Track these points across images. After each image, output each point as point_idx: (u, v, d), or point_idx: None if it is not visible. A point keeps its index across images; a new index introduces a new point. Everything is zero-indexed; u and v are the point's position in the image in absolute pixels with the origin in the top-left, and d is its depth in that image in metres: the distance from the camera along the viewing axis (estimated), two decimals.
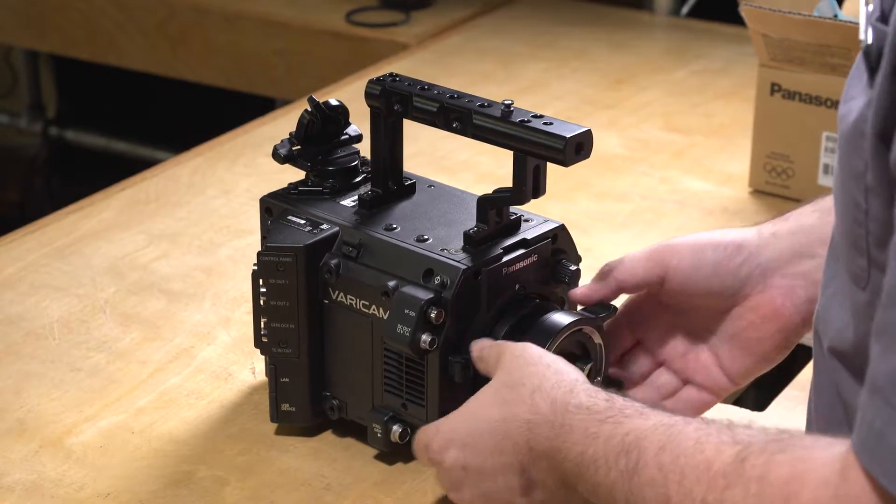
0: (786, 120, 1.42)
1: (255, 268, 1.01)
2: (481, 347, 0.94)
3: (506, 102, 0.96)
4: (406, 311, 0.94)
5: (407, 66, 1.74)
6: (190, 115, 2.53)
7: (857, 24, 0.75)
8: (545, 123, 0.94)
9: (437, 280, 0.95)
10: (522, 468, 0.88)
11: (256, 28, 2.11)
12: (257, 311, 1.02)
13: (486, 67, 1.83)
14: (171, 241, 1.35)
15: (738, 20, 1.47)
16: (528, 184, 0.95)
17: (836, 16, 1.39)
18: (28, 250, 1.33)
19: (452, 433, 0.91)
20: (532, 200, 0.96)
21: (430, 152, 1.47)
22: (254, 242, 1.35)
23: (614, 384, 1.00)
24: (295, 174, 1.08)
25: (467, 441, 0.90)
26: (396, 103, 1.00)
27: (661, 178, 1.49)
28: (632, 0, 2.13)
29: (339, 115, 1.05)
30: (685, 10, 2.11)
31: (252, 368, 1.14)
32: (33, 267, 1.30)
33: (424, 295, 0.94)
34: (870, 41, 0.71)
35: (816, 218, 1.00)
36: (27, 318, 1.22)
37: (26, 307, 1.23)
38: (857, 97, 0.74)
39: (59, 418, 1.08)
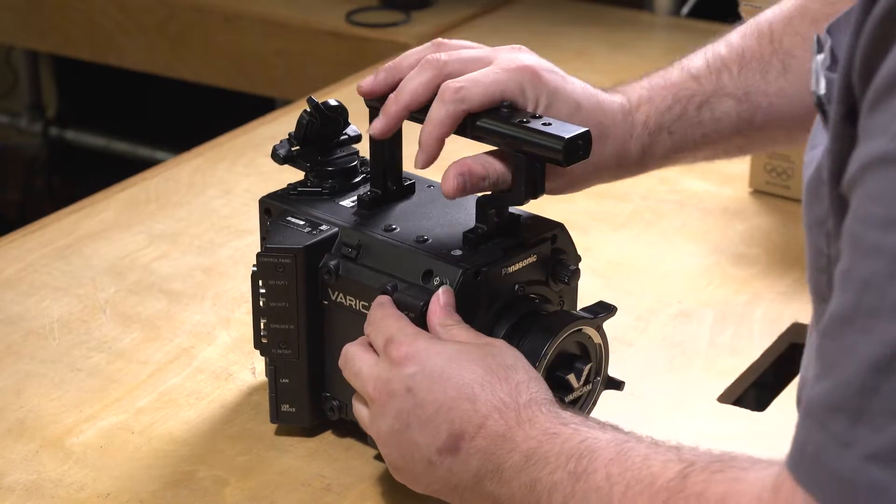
0: None
1: (255, 269, 1.01)
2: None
3: (505, 103, 0.96)
4: (405, 313, 0.94)
5: None
6: (190, 115, 2.53)
7: None
8: (544, 124, 0.94)
9: (437, 281, 0.95)
10: (460, 434, 0.86)
11: (256, 28, 2.11)
12: (257, 313, 1.02)
13: None
14: (171, 241, 1.35)
15: (737, 20, 1.47)
16: (527, 184, 0.94)
17: None
18: (28, 250, 1.33)
19: (426, 355, 0.89)
20: (531, 201, 0.96)
21: None
22: (254, 242, 1.35)
23: (614, 385, 1.01)
24: (295, 174, 1.09)
25: (433, 372, 0.88)
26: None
27: (661, 178, 1.48)
28: (632, 0, 2.13)
29: (339, 115, 1.05)
30: (685, 10, 2.11)
31: (252, 368, 1.14)
32: (33, 267, 1.30)
33: (424, 296, 0.94)
34: (822, 91, 0.72)
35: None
36: (27, 318, 1.22)
37: (26, 307, 1.24)
38: (818, 146, 0.75)
39: (60, 418, 1.08)
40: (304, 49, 2.08)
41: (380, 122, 0.98)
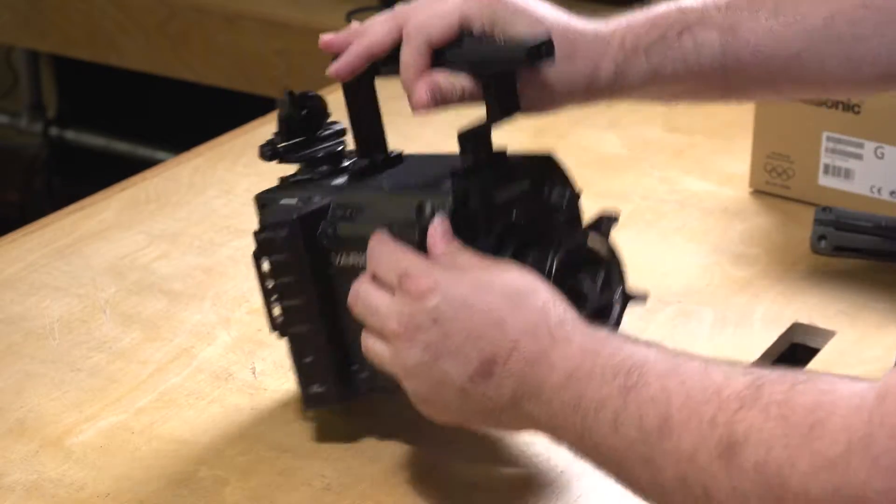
0: (786, 120, 1.42)
1: (255, 251, 1.01)
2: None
3: (466, 32, 0.96)
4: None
5: None
6: (190, 115, 2.53)
7: None
8: (504, 41, 0.95)
9: (429, 211, 0.93)
10: (492, 359, 0.85)
11: (257, 28, 2.12)
12: (266, 295, 1.01)
13: None
14: (171, 241, 1.35)
15: None
16: (499, 99, 0.94)
17: None
18: (28, 250, 1.33)
19: (446, 286, 0.87)
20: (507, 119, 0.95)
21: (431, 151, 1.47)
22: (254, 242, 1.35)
23: (637, 298, 0.98)
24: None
25: (456, 301, 0.86)
26: (362, 80, 1.00)
27: (661, 178, 1.48)
28: (632, 0, 2.13)
29: (317, 104, 1.05)
30: None
31: (252, 368, 1.14)
32: (33, 267, 1.30)
33: (419, 230, 0.93)
34: None
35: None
36: (27, 318, 1.22)
37: (26, 307, 1.23)
38: None
39: (60, 418, 1.08)
40: (304, 49, 2.08)
41: (338, 62, 0.98)
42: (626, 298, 0.97)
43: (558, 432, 0.84)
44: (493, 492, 1.00)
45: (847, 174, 1.39)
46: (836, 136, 1.39)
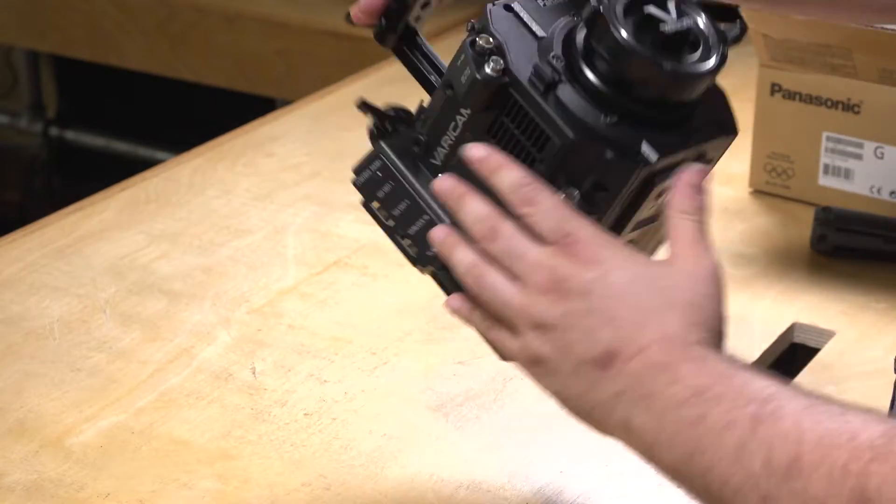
0: (786, 120, 1.42)
1: (363, 199, 0.94)
2: None
3: None
4: (460, 65, 0.88)
5: None
6: (190, 115, 2.53)
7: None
8: None
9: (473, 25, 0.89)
10: (616, 353, 0.81)
11: (257, 28, 2.12)
12: (392, 234, 0.94)
13: None
14: (171, 241, 1.35)
15: (737, 19, 1.47)
16: None
17: None
18: (28, 250, 1.33)
19: (612, 265, 0.83)
20: None
21: None
22: (254, 242, 1.35)
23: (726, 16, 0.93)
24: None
25: (615, 285, 0.83)
26: (395, 24, 0.96)
27: None
28: None
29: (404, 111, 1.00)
30: None
31: (252, 368, 1.14)
32: (33, 267, 1.30)
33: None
34: None
35: None
36: (27, 318, 1.22)
37: (26, 307, 1.23)
38: None
39: (60, 418, 1.08)
40: (304, 49, 2.08)
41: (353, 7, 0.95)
42: (720, 33, 0.89)
43: (658, 448, 0.80)
44: (494, 492, 1.00)
45: (847, 174, 1.39)
46: (836, 136, 1.39)
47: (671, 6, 0.87)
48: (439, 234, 0.89)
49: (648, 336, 0.82)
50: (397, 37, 0.96)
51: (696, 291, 0.84)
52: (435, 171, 0.92)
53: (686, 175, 0.86)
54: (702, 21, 0.88)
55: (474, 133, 0.89)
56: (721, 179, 1.51)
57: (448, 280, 0.90)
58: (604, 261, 0.83)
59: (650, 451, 0.81)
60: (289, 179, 1.49)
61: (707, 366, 0.80)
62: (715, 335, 0.84)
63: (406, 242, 0.92)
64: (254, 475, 1.02)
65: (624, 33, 0.85)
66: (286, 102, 1.93)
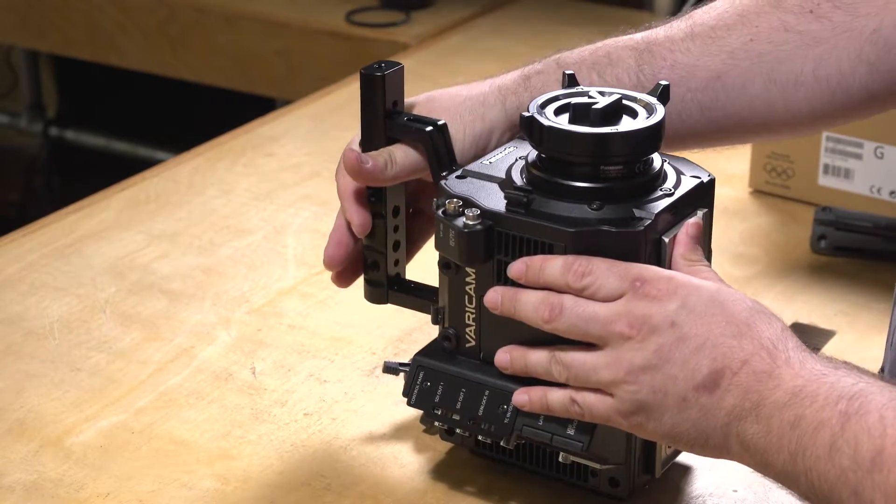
0: None
1: (422, 415, 1.00)
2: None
3: None
4: (442, 236, 0.93)
5: (407, 66, 1.74)
6: (190, 115, 2.53)
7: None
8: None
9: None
10: (722, 370, 0.83)
11: (256, 28, 2.12)
12: (465, 429, 0.98)
13: (486, 67, 1.83)
14: (171, 241, 1.35)
15: None
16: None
17: None
18: (28, 250, 1.33)
19: (687, 292, 0.85)
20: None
21: None
22: (254, 242, 1.35)
23: None
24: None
25: (697, 308, 0.85)
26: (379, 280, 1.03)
27: None
28: (632, 0, 2.13)
29: None
30: (685, 10, 2.10)
31: (252, 368, 1.14)
32: (33, 267, 1.30)
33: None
34: None
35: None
36: (27, 318, 1.22)
37: (26, 307, 1.24)
38: None
39: (59, 418, 1.08)
40: (304, 49, 2.08)
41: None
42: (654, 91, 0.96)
43: (769, 454, 0.82)
44: (494, 493, 1.00)
45: (847, 174, 1.39)
46: (836, 135, 1.39)
47: (593, 93, 0.94)
48: (509, 356, 0.92)
49: (748, 348, 0.84)
50: (386, 289, 1.02)
51: (758, 304, 0.87)
52: (471, 354, 0.97)
53: (684, 229, 0.91)
54: (627, 94, 0.94)
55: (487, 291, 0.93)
56: (721, 179, 1.51)
57: (536, 435, 0.94)
58: (678, 290, 0.86)
59: (764, 460, 0.83)
60: (289, 179, 1.49)
61: (805, 367, 0.82)
62: (797, 338, 0.86)
63: (482, 427, 0.95)
64: (254, 475, 1.02)
65: (563, 122, 0.92)
66: (286, 102, 1.94)
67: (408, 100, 1.01)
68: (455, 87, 1.03)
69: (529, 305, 0.89)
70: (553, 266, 0.89)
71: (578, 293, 0.88)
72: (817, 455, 0.79)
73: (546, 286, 0.89)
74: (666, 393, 0.85)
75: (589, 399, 0.88)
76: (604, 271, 0.87)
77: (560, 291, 0.89)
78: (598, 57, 1.02)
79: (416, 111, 1.00)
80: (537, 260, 0.89)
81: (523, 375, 0.92)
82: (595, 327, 0.87)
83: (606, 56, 1.02)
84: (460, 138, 0.99)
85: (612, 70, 1.02)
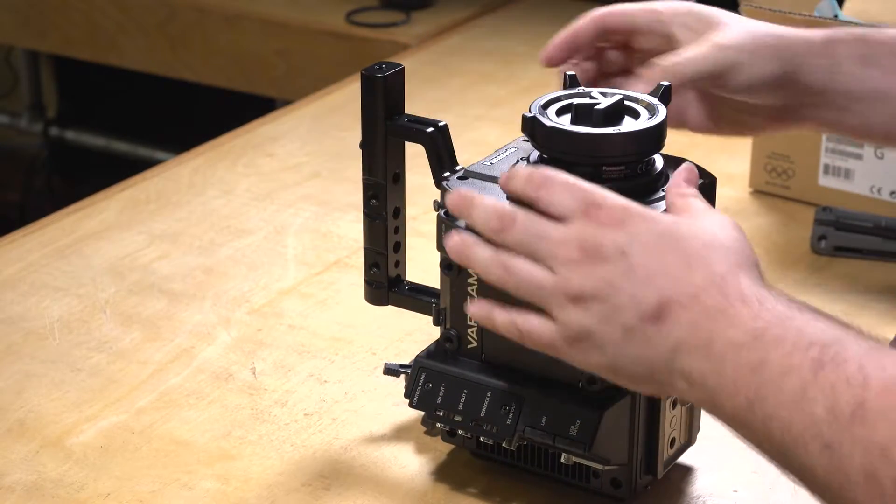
0: None
1: (424, 415, 0.99)
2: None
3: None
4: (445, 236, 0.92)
5: (407, 67, 1.74)
6: (190, 115, 2.53)
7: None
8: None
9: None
10: (669, 302, 0.80)
11: (256, 28, 2.12)
12: (468, 431, 0.98)
13: (487, 67, 1.83)
14: (171, 241, 1.35)
15: None
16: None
17: (836, 16, 1.39)
18: (28, 250, 1.33)
19: (641, 221, 0.83)
20: None
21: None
22: (254, 242, 1.35)
23: None
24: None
25: (650, 240, 0.82)
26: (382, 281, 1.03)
27: None
28: (631, 0, 2.13)
29: None
30: None
31: (252, 368, 1.14)
32: (33, 267, 1.30)
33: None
34: None
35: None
36: (27, 318, 1.22)
37: (26, 307, 1.23)
38: None
39: (60, 418, 1.08)
40: (304, 49, 2.08)
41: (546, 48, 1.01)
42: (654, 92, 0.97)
43: (718, 396, 0.78)
44: (495, 494, 1.00)
45: (847, 174, 1.39)
46: (836, 136, 1.39)
47: (595, 94, 0.94)
48: (453, 240, 0.88)
49: (698, 282, 0.80)
50: (387, 290, 1.02)
51: (728, 236, 0.84)
52: (473, 355, 0.97)
53: (679, 170, 0.90)
54: (629, 94, 0.94)
55: (488, 294, 0.91)
56: (721, 179, 1.51)
57: (538, 436, 0.93)
58: (632, 220, 0.83)
59: (712, 401, 0.79)
60: (289, 179, 1.49)
61: (765, 307, 0.78)
62: (759, 271, 0.83)
63: (485, 429, 0.95)
64: (254, 475, 1.02)
65: (565, 123, 0.92)
66: (286, 102, 1.94)
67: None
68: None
69: (482, 211, 0.86)
70: (520, 173, 0.86)
71: (533, 203, 0.85)
72: (781, 402, 0.75)
73: (508, 191, 0.87)
74: (611, 322, 0.81)
75: (532, 322, 0.85)
76: (560, 187, 0.84)
77: (517, 201, 0.86)
78: None
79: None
80: (503, 176, 0.88)
81: (465, 266, 0.90)
82: (544, 246, 0.84)
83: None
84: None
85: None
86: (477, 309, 0.89)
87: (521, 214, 0.85)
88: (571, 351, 0.84)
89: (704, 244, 0.82)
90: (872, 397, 0.71)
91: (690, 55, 0.98)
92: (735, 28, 0.99)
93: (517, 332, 0.86)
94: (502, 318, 0.87)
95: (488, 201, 0.86)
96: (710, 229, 0.84)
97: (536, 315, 0.84)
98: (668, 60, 0.98)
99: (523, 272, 0.84)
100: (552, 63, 0.99)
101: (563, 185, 0.84)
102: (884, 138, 1.03)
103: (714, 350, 0.78)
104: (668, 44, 1.00)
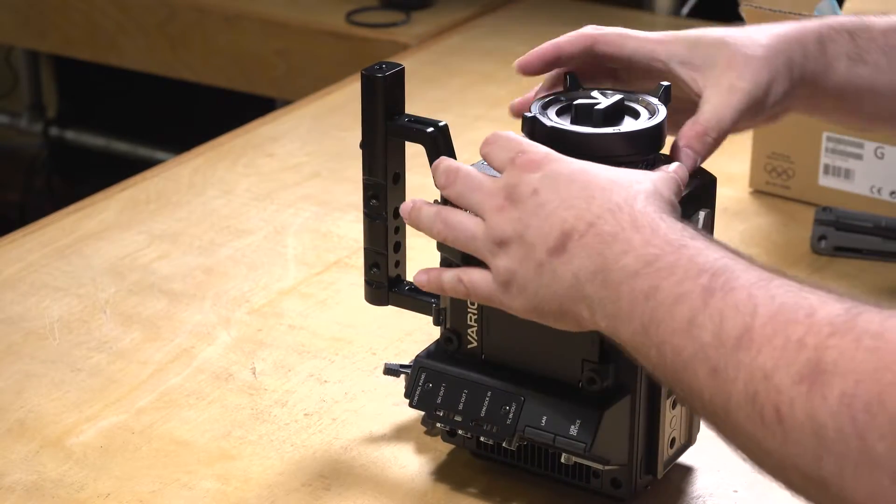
0: (786, 120, 1.41)
1: (424, 416, 1.00)
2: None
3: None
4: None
5: (407, 67, 1.74)
6: (190, 115, 2.53)
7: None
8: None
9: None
10: (570, 232, 0.82)
11: (256, 28, 2.12)
12: (468, 431, 0.98)
13: (487, 67, 1.83)
14: (171, 241, 1.35)
15: (738, 20, 1.47)
16: None
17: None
18: (28, 250, 1.33)
19: (558, 161, 0.85)
20: None
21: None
22: (254, 242, 1.35)
23: None
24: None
25: (561, 175, 0.84)
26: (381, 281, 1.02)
27: None
28: (632, 0, 2.13)
29: None
30: (685, 10, 2.11)
31: (252, 369, 1.14)
32: (34, 267, 1.30)
33: None
34: None
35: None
36: (27, 318, 1.22)
37: (27, 307, 1.23)
38: None
39: (60, 418, 1.08)
40: (304, 49, 2.08)
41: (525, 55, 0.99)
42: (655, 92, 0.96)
43: (617, 322, 0.80)
44: (495, 494, 1.00)
45: (847, 174, 1.39)
46: (836, 136, 1.39)
47: (596, 94, 0.94)
48: (405, 205, 0.93)
49: (595, 209, 0.82)
50: (387, 290, 1.02)
51: (648, 176, 0.86)
52: (473, 355, 0.97)
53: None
54: (629, 94, 0.95)
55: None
56: (721, 179, 1.51)
57: (539, 436, 0.93)
58: (548, 161, 0.86)
59: (613, 327, 0.81)
60: (289, 179, 1.49)
61: (658, 235, 0.80)
62: (667, 204, 0.84)
63: (485, 429, 0.95)
64: (254, 475, 1.02)
65: (566, 122, 0.92)
66: (286, 102, 1.94)
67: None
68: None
69: (438, 173, 0.91)
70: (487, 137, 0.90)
71: (483, 158, 0.90)
72: (673, 329, 0.76)
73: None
74: (527, 260, 0.84)
75: (473, 276, 0.88)
76: (500, 142, 0.89)
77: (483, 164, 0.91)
78: (890, 40, 1.00)
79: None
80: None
81: (416, 228, 0.92)
82: (477, 197, 0.88)
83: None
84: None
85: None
86: (425, 276, 0.92)
87: (464, 170, 0.90)
88: (504, 298, 0.87)
89: (610, 179, 0.84)
90: (759, 325, 0.72)
91: (720, 107, 0.95)
92: (742, 56, 0.96)
93: (463, 287, 0.89)
94: (448, 277, 0.90)
95: (446, 161, 0.91)
96: (626, 171, 0.86)
97: (478, 268, 0.88)
98: (704, 117, 0.94)
99: (460, 225, 0.89)
100: (526, 72, 0.98)
101: (505, 142, 0.88)
102: (864, 127, 1.05)
103: (610, 278, 0.80)
104: (662, 80, 0.98)
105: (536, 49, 0.98)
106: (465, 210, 0.89)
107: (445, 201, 0.92)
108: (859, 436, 0.66)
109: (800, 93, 0.98)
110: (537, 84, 1.02)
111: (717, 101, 0.94)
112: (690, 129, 0.93)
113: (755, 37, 0.97)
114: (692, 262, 0.77)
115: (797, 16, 1.35)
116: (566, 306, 0.83)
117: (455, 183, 0.90)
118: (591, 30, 0.99)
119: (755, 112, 0.96)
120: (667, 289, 0.77)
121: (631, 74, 1.00)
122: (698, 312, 0.75)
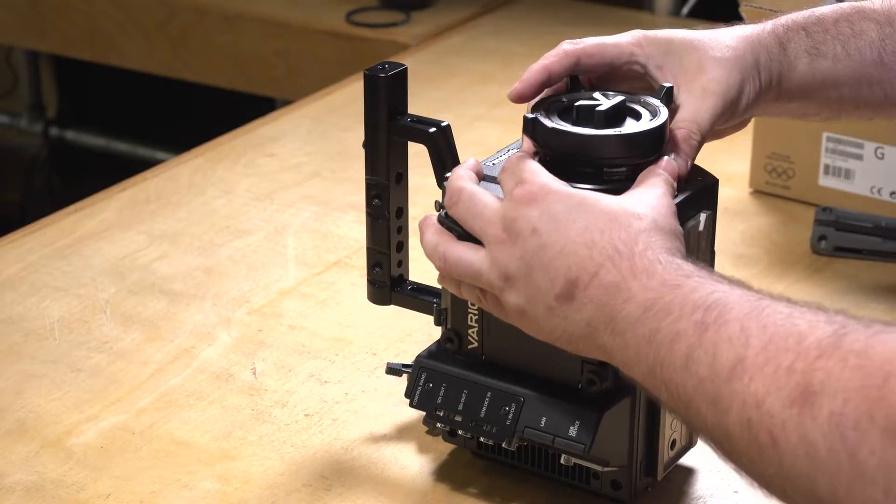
0: (786, 120, 1.42)
1: (425, 416, 0.99)
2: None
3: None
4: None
5: (407, 67, 1.75)
6: (190, 115, 2.53)
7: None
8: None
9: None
10: (575, 282, 0.83)
11: (256, 28, 2.11)
12: (468, 431, 0.98)
13: (486, 67, 1.83)
14: (171, 241, 1.35)
15: (738, 20, 1.47)
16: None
17: None
18: (28, 251, 1.33)
19: (554, 196, 0.85)
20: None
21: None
22: (254, 242, 1.35)
23: None
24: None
25: (558, 214, 0.85)
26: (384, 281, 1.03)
27: None
28: (632, 0, 2.13)
29: None
30: (685, 10, 2.10)
31: (252, 369, 1.14)
32: (34, 267, 1.30)
33: None
34: None
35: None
36: (28, 318, 1.22)
37: (27, 307, 1.23)
38: None
39: (60, 419, 1.08)
40: (304, 49, 2.08)
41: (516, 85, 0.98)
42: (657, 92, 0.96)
43: (629, 367, 0.82)
44: (495, 495, 1.00)
45: (847, 174, 1.39)
46: (836, 136, 1.39)
47: (597, 95, 0.94)
48: (420, 224, 0.93)
49: (597, 258, 0.83)
50: (389, 289, 1.02)
51: (641, 203, 0.86)
52: (473, 355, 0.97)
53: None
54: (631, 95, 0.95)
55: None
56: (721, 179, 1.51)
57: (538, 437, 0.94)
58: (546, 196, 0.86)
59: (628, 371, 0.83)
60: (289, 179, 1.49)
61: (655, 278, 0.81)
62: (665, 237, 0.84)
63: (485, 429, 0.96)
64: (254, 476, 1.02)
65: (567, 124, 0.92)
66: (286, 102, 1.94)
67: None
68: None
69: (448, 186, 0.92)
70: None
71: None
72: (675, 367, 0.77)
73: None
74: (536, 301, 0.85)
75: (491, 304, 0.90)
76: (509, 167, 0.89)
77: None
78: (842, 28, 1.01)
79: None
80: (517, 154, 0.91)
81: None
82: (477, 224, 0.89)
83: (850, 27, 1.01)
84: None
85: (856, 43, 1.01)
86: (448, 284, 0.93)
87: (467, 191, 0.90)
88: (522, 326, 0.88)
89: (609, 217, 0.85)
90: (752, 355, 0.73)
91: (695, 111, 0.96)
92: (711, 59, 0.97)
93: (485, 305, 0.91)
94: (468, 292, 0.91)
95: (453, 179, 0.91)
96: (624, 204, 0.86)
97: (492, 295, 0.89)
98: (683, 123, 0.95)
99: (461, 261, 0.89)
100: (523, 100, 0.97)
101: (510, 164, 0.89)
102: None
103: (617, 327, 0.82)
104: (644, 83, 0.98)
105: (526, 76, 0.97)
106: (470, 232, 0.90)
107: (444, 206, 0.92)
108: (850, 453, 0.67)
109: (768, 96, 0.99)
110: None
111: (691, 107, 0.96)
112: (673, 134, 0.95)
113: (721, 39, 0.98)
114: (686, 300, 0.79)
115: None
116: (584, 347, 0.85)
117: (458, 205, 0.90)
118: (568, 46, 0.98)
119: (730, 115, 0.98)
120: (665, 329, 0.79)
121: (611, 80, 1.00)
122: (694, 348, 0.76)
